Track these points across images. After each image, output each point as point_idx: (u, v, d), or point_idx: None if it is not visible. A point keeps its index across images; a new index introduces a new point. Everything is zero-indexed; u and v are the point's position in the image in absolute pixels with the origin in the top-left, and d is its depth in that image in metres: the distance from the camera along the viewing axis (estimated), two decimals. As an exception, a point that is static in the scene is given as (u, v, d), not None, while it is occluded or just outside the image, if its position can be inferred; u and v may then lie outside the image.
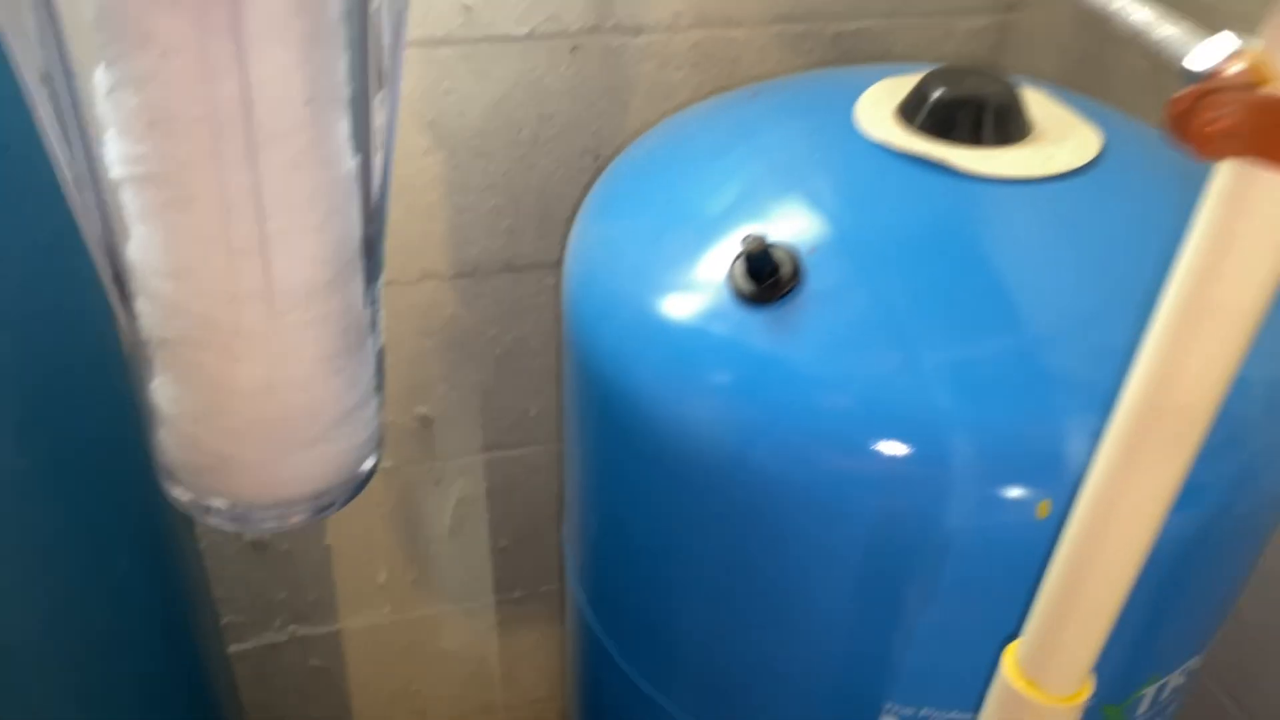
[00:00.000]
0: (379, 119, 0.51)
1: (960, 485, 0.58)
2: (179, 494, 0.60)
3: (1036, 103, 0.69)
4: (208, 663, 0.97)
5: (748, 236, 0.59)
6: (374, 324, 0.56)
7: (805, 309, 0.60)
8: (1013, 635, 0.54)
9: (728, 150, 0.70)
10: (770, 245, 0.59)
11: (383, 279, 0.57)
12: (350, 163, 0.50)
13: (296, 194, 0.49)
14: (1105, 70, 1.02)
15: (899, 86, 0.69)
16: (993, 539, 0.58)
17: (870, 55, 1.06)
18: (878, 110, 0.68)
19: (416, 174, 1.00)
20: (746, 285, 0.60)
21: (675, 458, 0.64)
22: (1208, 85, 0.32)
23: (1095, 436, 0.57)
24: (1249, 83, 0.32)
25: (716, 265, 0.63)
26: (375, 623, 1.28)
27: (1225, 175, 0.35)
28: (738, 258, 0.61)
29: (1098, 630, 0.47)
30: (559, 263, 1.08)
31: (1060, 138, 0.66)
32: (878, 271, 0.62)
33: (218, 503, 0.60)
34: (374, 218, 0.53)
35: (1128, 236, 0.63)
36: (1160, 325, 0.40)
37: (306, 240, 0.50)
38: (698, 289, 0.63)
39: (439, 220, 1.03)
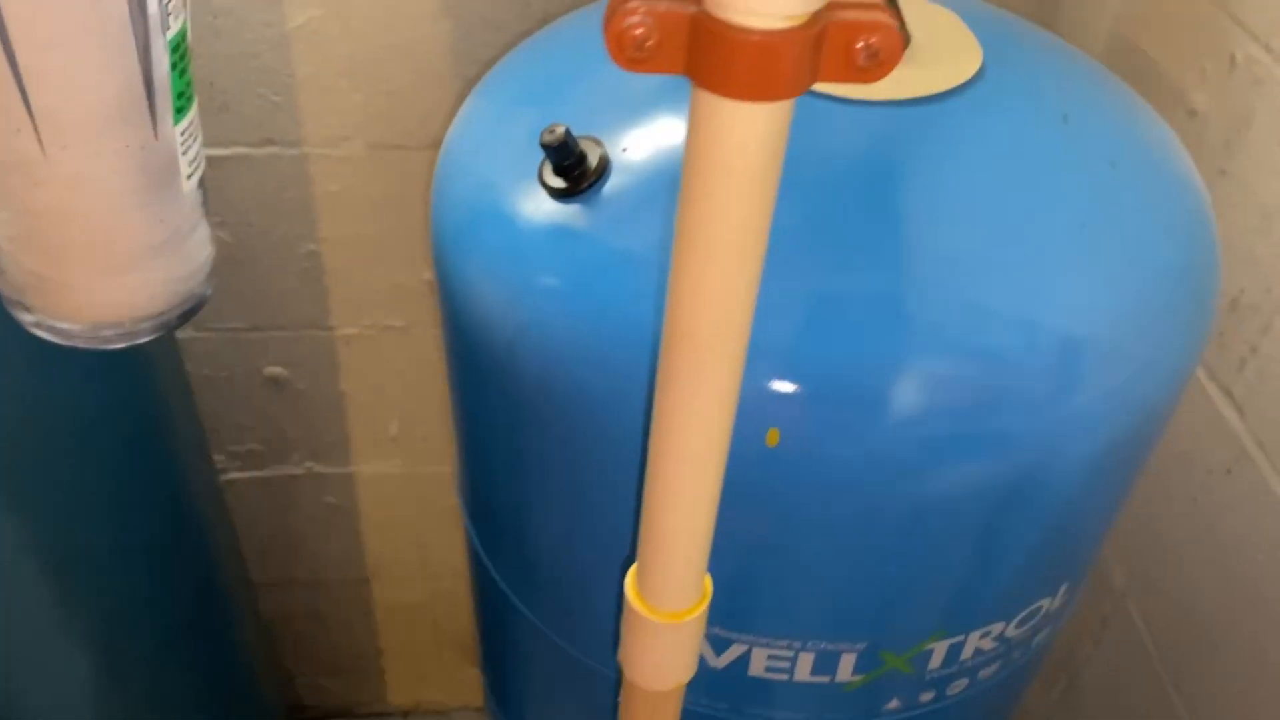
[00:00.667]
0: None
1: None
2: (24, 317, 0.65)
3: (914, 7, 0.63)
4: (186, 481, 1.06)
5: (550, 127, 0.58)
6: (182, 162, 0.59)
7: (610, 209, 0.59)
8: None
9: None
10: (572, 136, 0.58)
11: (191, 115, 0.59)
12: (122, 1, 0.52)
13: (53, 28, 0.51)
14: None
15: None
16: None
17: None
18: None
19: (423, 40, 1.01)
20: (551, 177, 0.60)
21: (491, 356, 0.64)
22: (633, -11, 0.29)
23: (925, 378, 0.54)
24: (693, -8, 0.29)
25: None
26: (387, 472, 1.35)
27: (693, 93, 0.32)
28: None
29: (681, 553, 0.46)
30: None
31: (938, 50, 0.61)
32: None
33: (65, 325, 0.65)
34: (161, 56, 0.55)
35: (1006, 163, 0.59)
36: (674, 252, 0.37)
37: (72, 75, 0.53)
38: (523, 180, 0.63)
39: (447, 90, 1.05)
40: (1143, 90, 0.72)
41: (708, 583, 0.49)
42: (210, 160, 0.69)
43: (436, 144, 1.07)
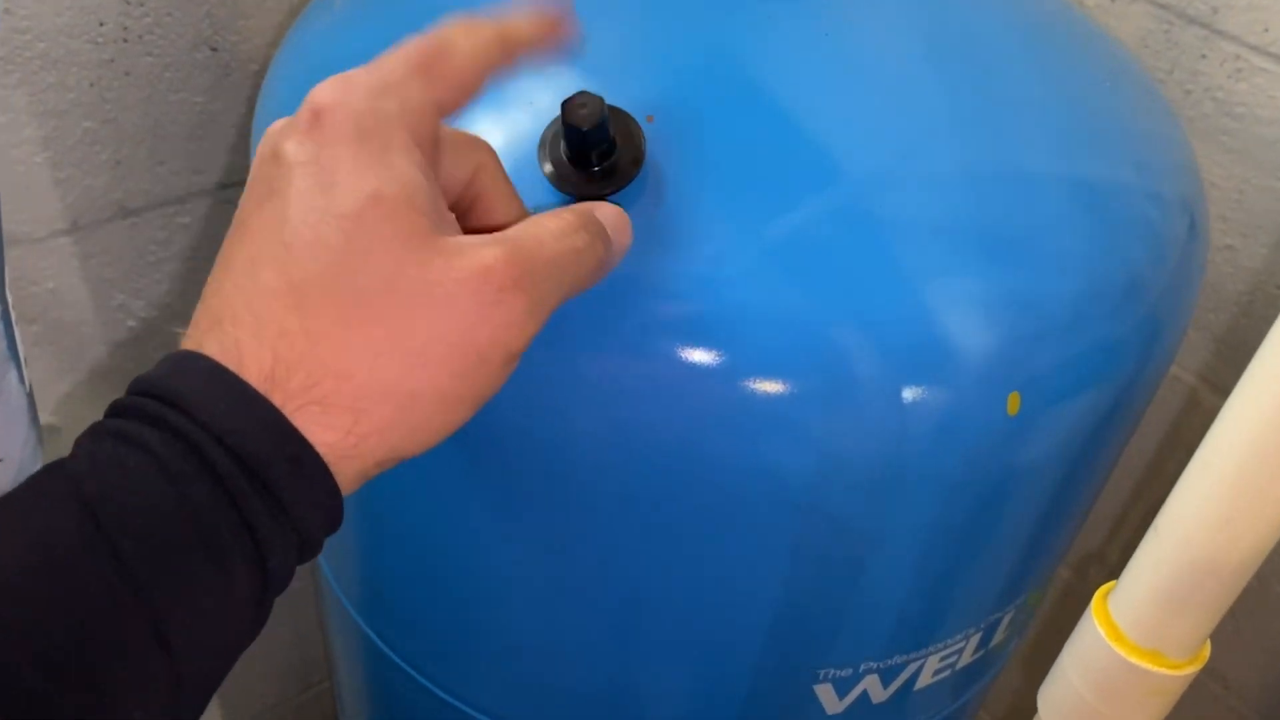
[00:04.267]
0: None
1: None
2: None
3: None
4: None
5: (581, 97, 0.40)
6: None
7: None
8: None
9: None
10: (608, 112, 0.41)
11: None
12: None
13: None
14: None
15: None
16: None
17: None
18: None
19: None
20: (567, 169, 0.42)
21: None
22: None
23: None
24: None
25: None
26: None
27: None
28: (558, 129, 0.42)
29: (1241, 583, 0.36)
30: (188, 196, 0.84)
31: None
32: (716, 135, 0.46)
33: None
34: None
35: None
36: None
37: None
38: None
39: (9, 165, 0.75)
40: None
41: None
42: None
43: (10, 241, 0.78)
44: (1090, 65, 0.55)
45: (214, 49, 0.79)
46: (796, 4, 0.49)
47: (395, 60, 0.35)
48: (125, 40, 0.75)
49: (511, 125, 0.46)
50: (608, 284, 0.43)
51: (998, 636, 0.59)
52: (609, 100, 0.41)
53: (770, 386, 0.43)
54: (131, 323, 0.86)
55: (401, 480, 0.52)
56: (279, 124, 0.35)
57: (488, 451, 0.49)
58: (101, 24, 0.74)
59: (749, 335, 0.43)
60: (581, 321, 0.43)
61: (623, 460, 0.45)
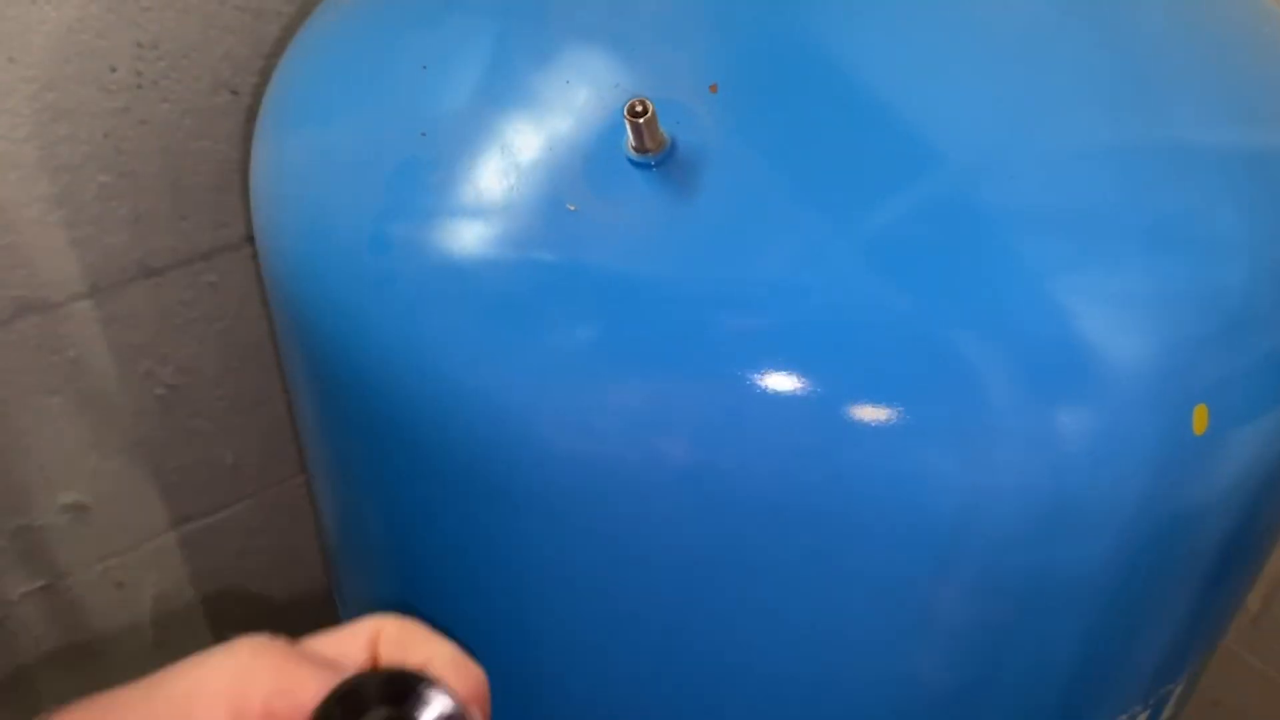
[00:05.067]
0: None
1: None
2: None
3: None
4: None
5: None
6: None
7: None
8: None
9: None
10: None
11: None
12: None
13: None
14: None
15: None
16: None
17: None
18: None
19: None
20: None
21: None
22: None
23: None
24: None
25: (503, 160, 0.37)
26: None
27: None
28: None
29: None
30: (213, 251, 0.77)
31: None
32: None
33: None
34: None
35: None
36: None
37: None
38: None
39: (22, 225, 0.70)
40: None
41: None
42: None
43: (26, 308, 0.72)
44: (1239, 13, 0.46)
45: (235, 92, 0.73)
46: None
47: None
48: (139, 86, 0.70)
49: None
50: (669, 298, 0.35)
51: (1166, 713, 0.49)
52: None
53: (880, 416, 0.34)
54: (160, 390, 0.80)
55: (446, 526, 0.45)
56: None
57: (541, 490, 0.40)
58: (113, 69, 0.68)
59: (847, 354, 0.35)
60: (646, 345, 0.35)
61: (698, 510, 0.37)
